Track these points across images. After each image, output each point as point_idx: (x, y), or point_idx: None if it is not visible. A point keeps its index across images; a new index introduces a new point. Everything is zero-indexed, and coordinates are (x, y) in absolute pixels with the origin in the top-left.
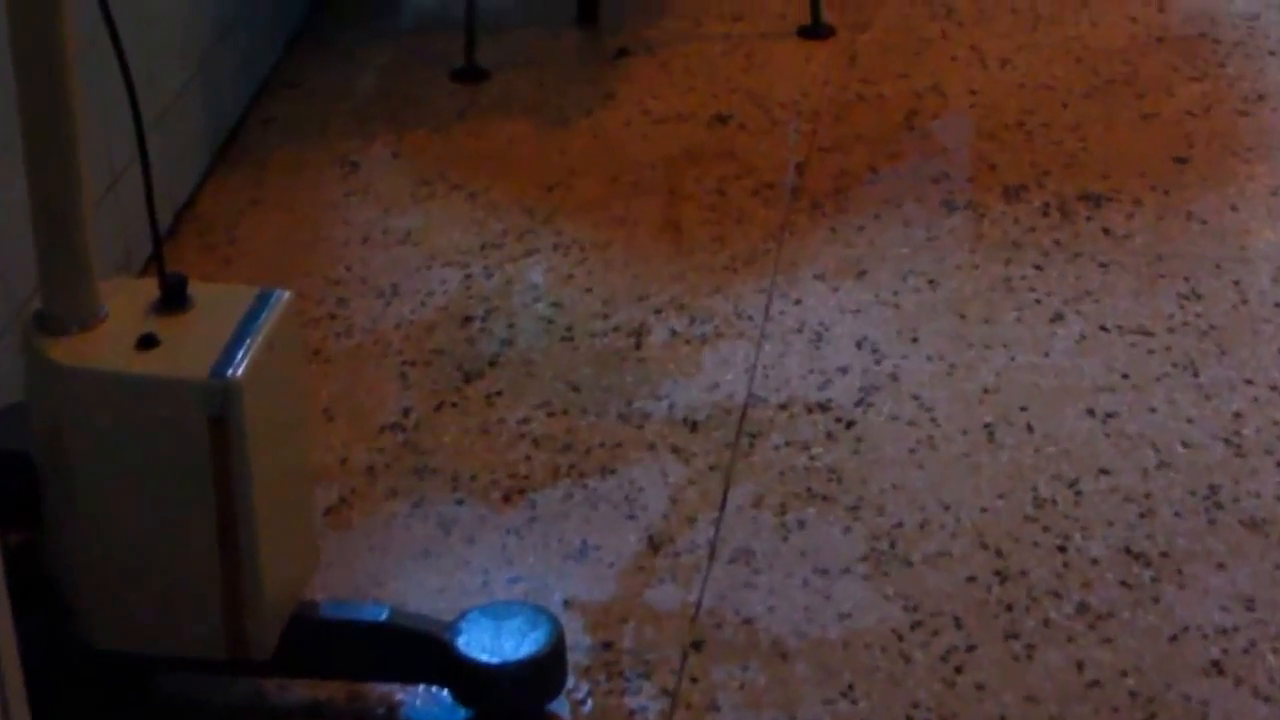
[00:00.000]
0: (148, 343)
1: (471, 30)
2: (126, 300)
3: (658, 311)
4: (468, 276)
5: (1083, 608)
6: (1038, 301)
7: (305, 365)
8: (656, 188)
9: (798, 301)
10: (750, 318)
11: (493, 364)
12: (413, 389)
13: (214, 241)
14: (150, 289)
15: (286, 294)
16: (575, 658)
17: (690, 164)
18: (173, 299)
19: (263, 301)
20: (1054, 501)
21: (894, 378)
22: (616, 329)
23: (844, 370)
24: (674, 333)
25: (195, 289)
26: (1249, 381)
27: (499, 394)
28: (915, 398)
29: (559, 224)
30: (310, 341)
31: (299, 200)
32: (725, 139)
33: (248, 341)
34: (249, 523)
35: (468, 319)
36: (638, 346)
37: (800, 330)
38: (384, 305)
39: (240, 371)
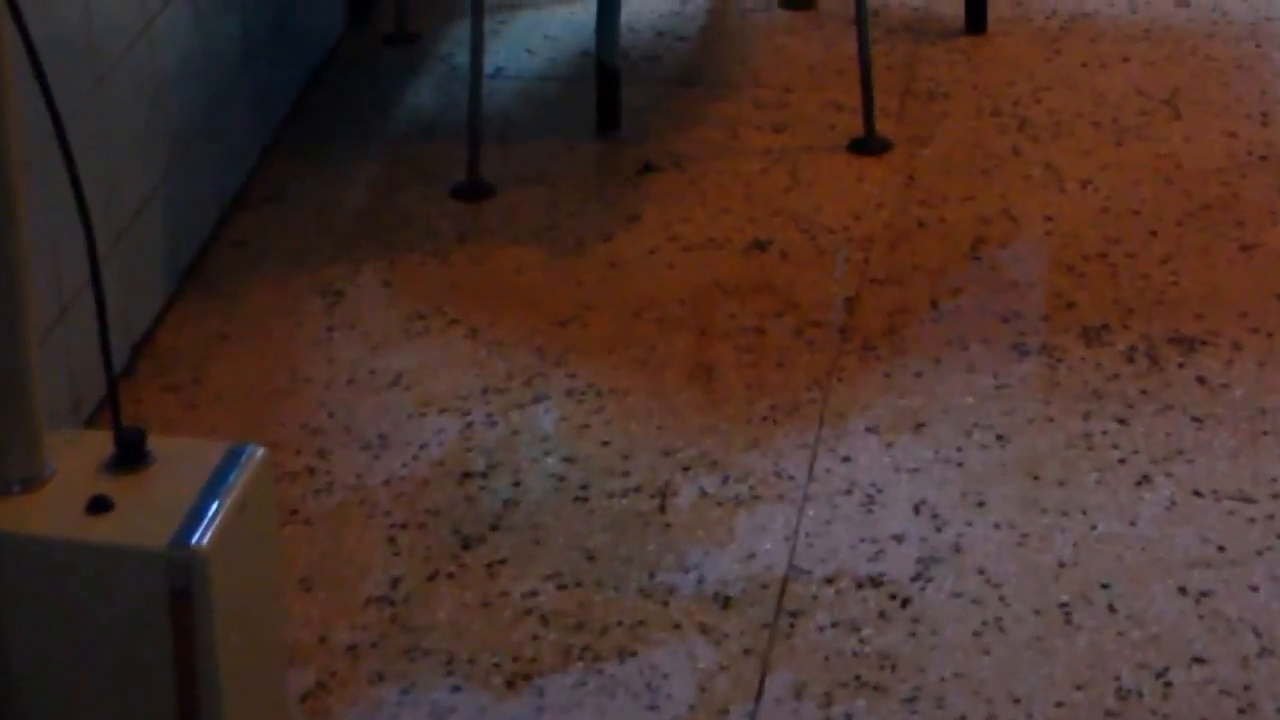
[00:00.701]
0: (100, 506)
1: (475, 140)
2: (76, 456)
3: (686, 469)
4: (468, 425)
5: None
6: (1122, 461)
7: (279, 530)
8: (685, 325)
9: (846, 459)
10: (792, 477)
11: (495, 528)
12: (403, 556)
13: (177, 381)
14: (104, 443)
15: (260, 451)
16: None
17: (724, 298)
18: (130, 455)
19: (232, 459)
20: (1140, 694)
21: (957, 548)
22: (638, 489)
23: (899, 539)
24: (704, 493)
25: (155, 444)
26: None
27: (502, 563)
28: (981, 572)
29: (573, 365)
30: (286, 500)
31: (275, 335)
32: (765, 269)
33: (215, 505)
34: (214, 711)
35: (467, 475)
36: (662, 509)
37: (849, 492)
38: (371, 458)
39: (206, 540)
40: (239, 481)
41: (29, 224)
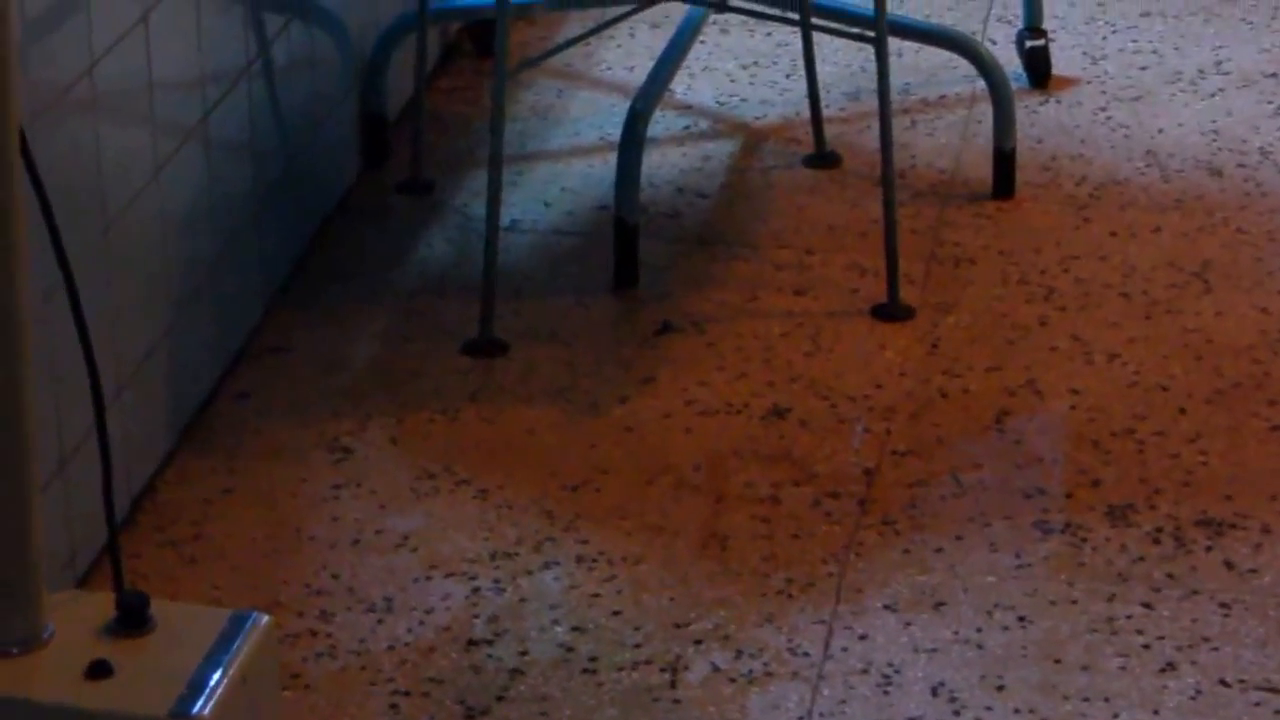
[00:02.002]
0: (100, 671)
1: (489, 294)
2: (76, 618)
3: (698, 642)
4: (474, 590)
5: None
6: (1146, 647)
7: (281, 699)
8: (700, 493)
9: (863, 637)
10: (806, 654)
11: (500, 699)
12: None
13: (177, 537)
14: (105, 605)
15: (264, 619)
16: None
17: (741, 466)
18: (131, 619)
19: (236, 626)
20: None
21: None
22: (648, 662)
23: None
24: (716, 669)
25: (158, 607)
26: None
27: None
28: None
29: (584, 531)
30: (287, 663)
31: (278, 492)
32: (783, 437)
33: (217, 675)
34: None
35: (473, 643)
36: (673, 684)
37: (866, 671)
38: (375, 622)
39: (208, 710)
40: (242, 650)
41: (34, 374)
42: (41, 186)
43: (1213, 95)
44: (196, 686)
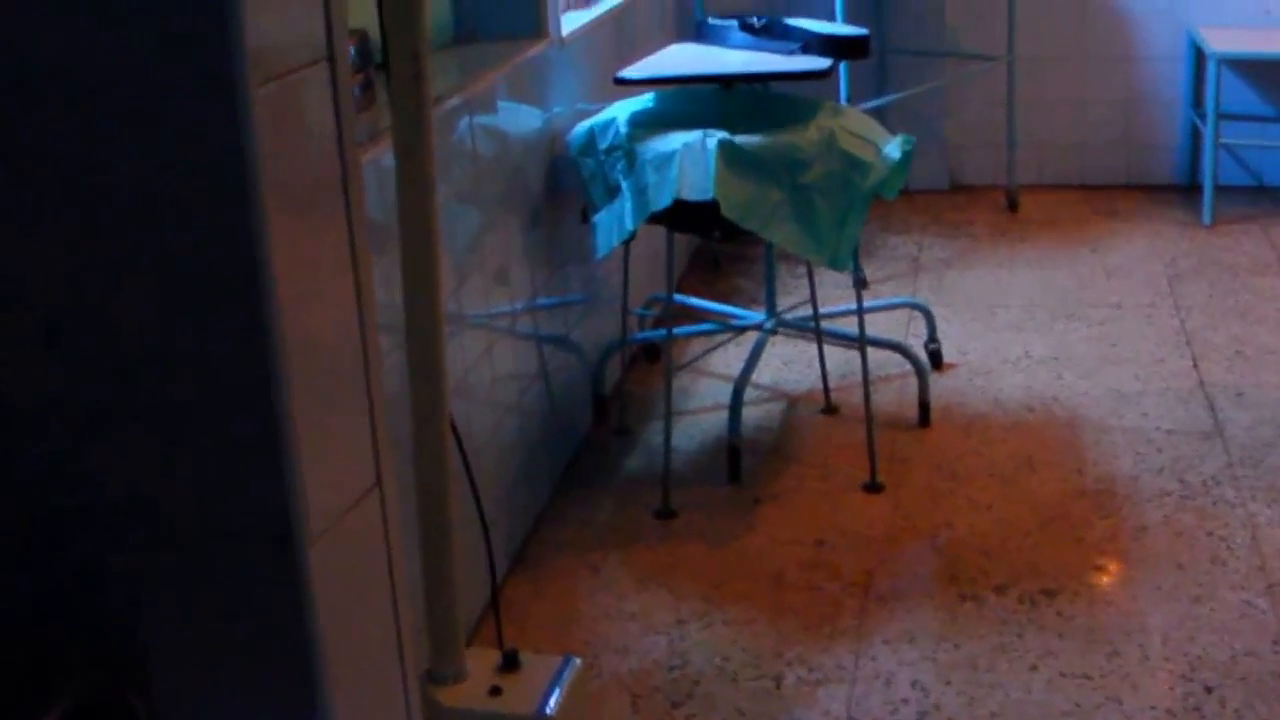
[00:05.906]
0: (496, 692)
1: (666, 486)
2: (481, 664)
3: (789, 664)
4: (670, 640)
5: None
6: (1019, 656)
7: (588, 698)
8: (783, 585)
9: (873, 658)
10: (844, 668)
11: (689, 696)
12: (640, 714)
13: (514, 616)
14: (494, 656)
15: (577, 660)
16: None
17: (800, 572)
18: (510, 663)
19: (566, 664)
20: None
21: (938, 707)
22: (764, 675)
23: (905, 701)
24: (800, 679)
25: (523, 657)
26: None
27: (692, 716)
28: (951, 718)
29: (724, 607)
30: (584, 679)
31: (564, 590)
32: (823, 556)
33: (558, 691)
34: None
35: (671, 668)
36: (778, 687)
37: (877, 677)
38: (618, 658)
39: (554, 710)
40: (570, 677)
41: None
42: (457, 432)
43: (1025, 370)
44: (547, 696)
